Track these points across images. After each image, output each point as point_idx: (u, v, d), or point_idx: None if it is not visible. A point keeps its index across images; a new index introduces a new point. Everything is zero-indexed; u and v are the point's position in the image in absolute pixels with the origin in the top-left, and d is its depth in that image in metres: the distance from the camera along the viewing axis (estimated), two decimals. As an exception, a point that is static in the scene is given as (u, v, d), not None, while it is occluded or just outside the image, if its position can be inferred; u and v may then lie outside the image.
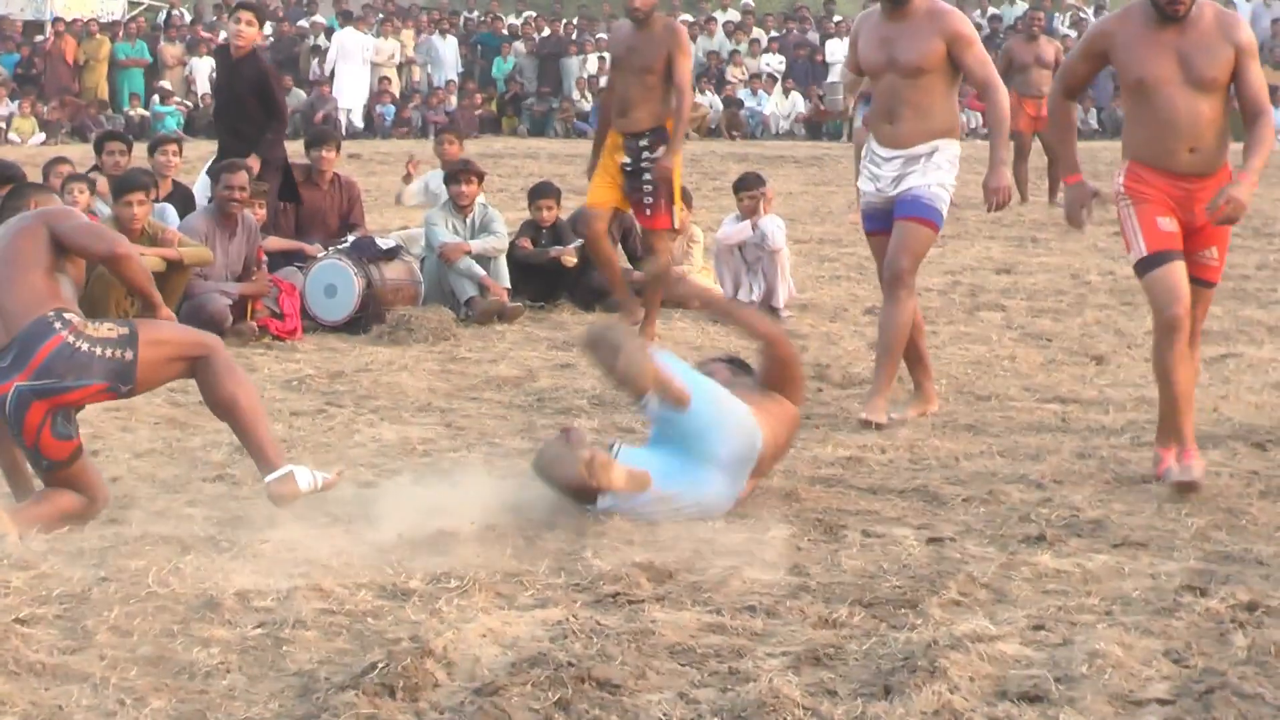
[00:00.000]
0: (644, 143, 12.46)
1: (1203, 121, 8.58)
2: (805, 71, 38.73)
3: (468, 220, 13.99)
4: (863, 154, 10.59)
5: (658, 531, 7.61)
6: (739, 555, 7.30)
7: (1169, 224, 8.53)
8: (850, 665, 5.94)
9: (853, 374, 11.40)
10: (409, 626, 6.27)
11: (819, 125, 36.95)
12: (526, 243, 14.36)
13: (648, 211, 12.63)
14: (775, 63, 38.83)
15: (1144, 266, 8.53)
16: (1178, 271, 8.45)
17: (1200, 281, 8.77)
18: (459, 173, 14.16)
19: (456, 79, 38.68)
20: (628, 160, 12.49)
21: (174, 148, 15.15)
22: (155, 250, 11.52)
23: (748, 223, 13.85)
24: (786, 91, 37.84)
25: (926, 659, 5.77)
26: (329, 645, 6.11)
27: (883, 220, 10.08)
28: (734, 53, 39.57)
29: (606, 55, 13.82)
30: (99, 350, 7.41)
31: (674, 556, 7.22)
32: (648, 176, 12.44)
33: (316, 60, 38.28)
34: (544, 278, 14.31)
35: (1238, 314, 13.75)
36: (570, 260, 14.19)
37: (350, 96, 37.34)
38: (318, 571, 6.89)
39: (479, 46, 40.18)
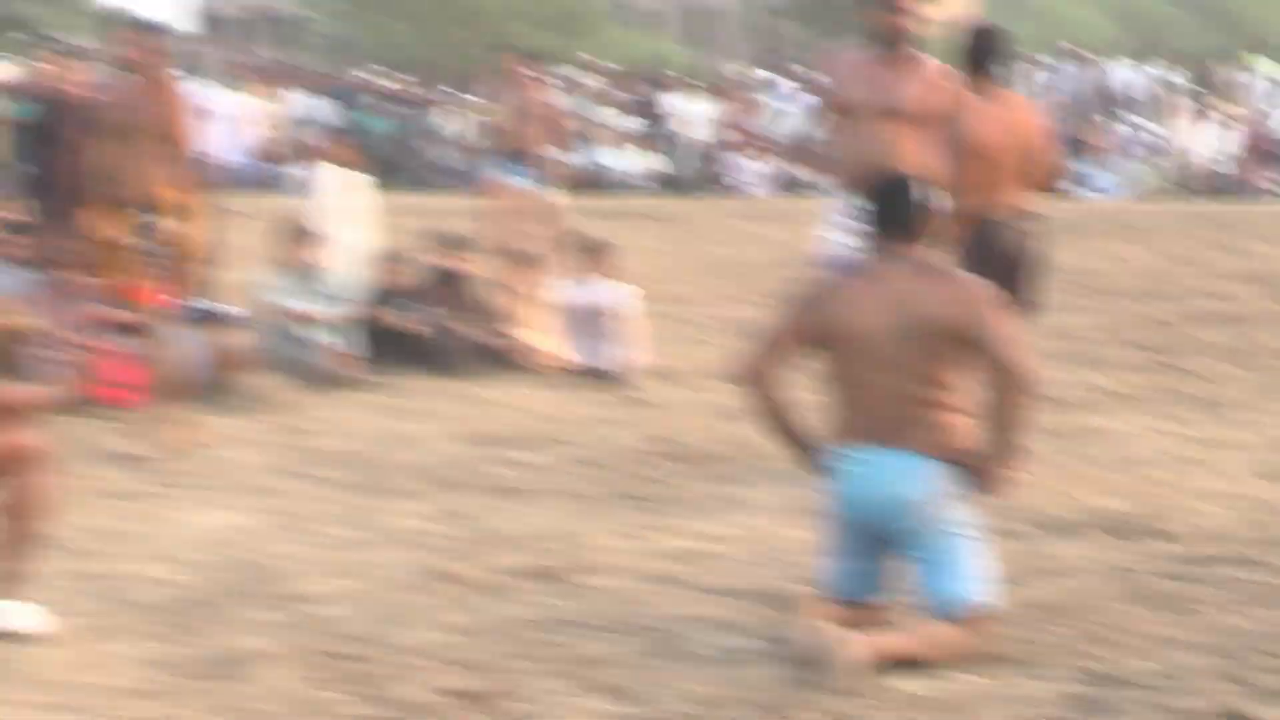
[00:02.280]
0: (147, 215, 10.33)
1: None
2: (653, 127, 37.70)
3: (308, 285, 12.76)
4: None
5: (478, 645, 6.34)
6: (569, 678, 6.06)
7: None
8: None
9: (697, 448, 10.19)
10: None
11: (671, 180, 35.92)
12: (374, 308, 13.07)
13: (152, 288, 10.52)
14: (630, 122, 37.73)
15: None
16: None
17: None
18: (297, 234, 12.94)
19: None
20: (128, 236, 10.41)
21: None
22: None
23: (593, 287, 12.65)
24: (642, 149, 36.77)
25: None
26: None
27: None
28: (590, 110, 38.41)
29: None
30: None
31: (496, 680, 5.95)
32: (152, 251, 10.38)
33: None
34: (392, 343, 12.97)
35: (1083, 380, 12.51)
36: (418, 327, 12.93)
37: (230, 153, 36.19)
38: (101, 702, 5.67)
39: (350, 103, 38.85)
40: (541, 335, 13.40)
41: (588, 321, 12.76)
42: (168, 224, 10.10)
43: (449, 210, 19.88)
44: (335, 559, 7.58)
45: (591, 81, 39.83)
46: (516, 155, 17.00)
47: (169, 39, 10.81)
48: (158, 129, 10.07)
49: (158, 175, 10.18)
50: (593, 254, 12.77)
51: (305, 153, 34.19)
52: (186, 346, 11.72)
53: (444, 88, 39.29)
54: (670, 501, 8.91)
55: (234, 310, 12.56)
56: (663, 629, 6.62)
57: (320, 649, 6.23)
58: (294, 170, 34.27)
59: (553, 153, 16.83)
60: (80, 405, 11.07)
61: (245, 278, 17.41)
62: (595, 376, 12.59)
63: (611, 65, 42.27)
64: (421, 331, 12.96)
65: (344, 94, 38.77)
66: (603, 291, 12.62)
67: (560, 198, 17.12)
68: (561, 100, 37.70)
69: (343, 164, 14.49)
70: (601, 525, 8.31)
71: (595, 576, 7.37)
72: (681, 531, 8.19)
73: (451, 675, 6.00)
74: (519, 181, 16.45)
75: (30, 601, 6.40)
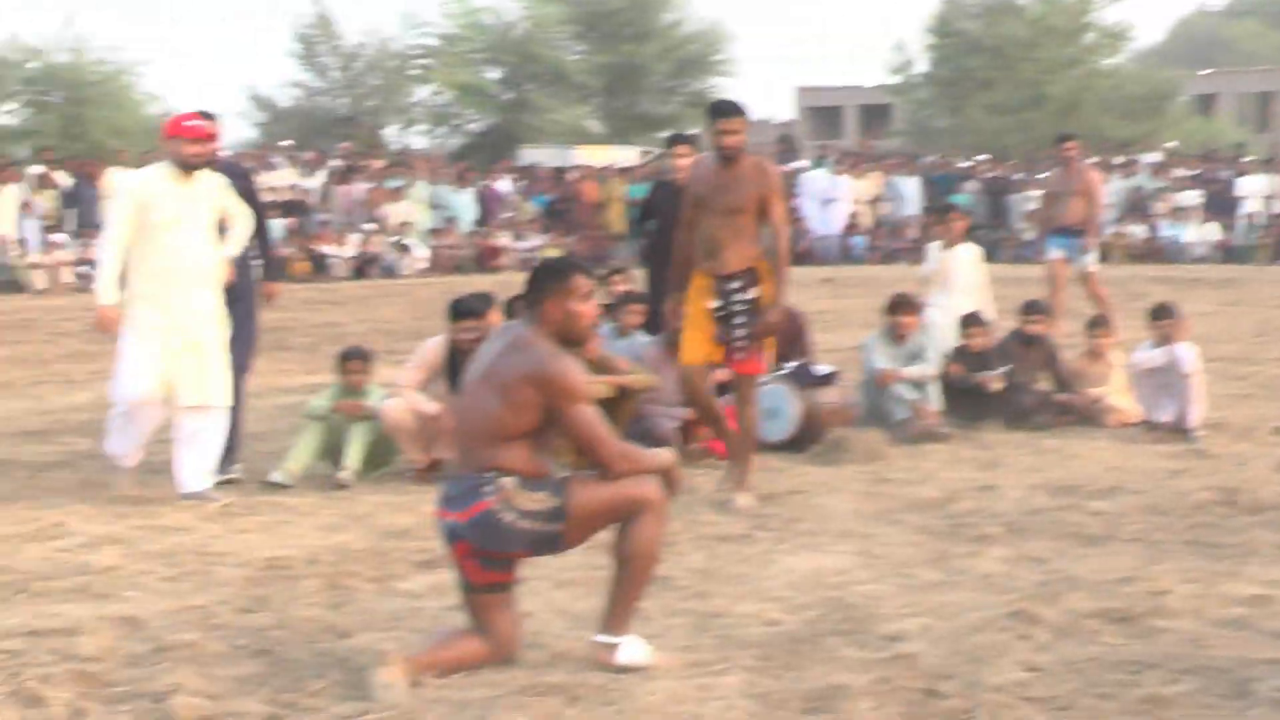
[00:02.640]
0: (735, 285, 10.15)
1: None
2: (1219, 202, 36.54)
3: (903, 349, 12.62)
4: None
5: (1057, 683, 6.09)
6: (1139, 716, 5.74)
7: None
8: None
9: (1261, 499, 9.68)
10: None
11: (1230, 249, 34.86)
12: (957, 368, 12.90)
13: (741, 355, 10.29)
14: (1193, 197, 36.68)
15: None
16: None
17: None
18: (900, 304, 12.77)
19: (920, 213, 37.40)
20: (719, 304, 10.21)
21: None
22: (606, 378, 10.33)
23: (1162, 350, 12.18)
24: (1203, 221, 35.73)
25: None
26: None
27: None
28: (1157, 189, 37.55)
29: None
30: (523, 524, 6.14)
31: (1073, 718, 5.70)
32: (741, 320, 10.18)
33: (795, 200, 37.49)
34: (972, 400, 12.82)
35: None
36: (997, 385, 12.71)
37: (825, 228, 36.65)
38: (699, 731, 5.57)
39: (937, 184, 38.74)
40: (1111, 391, 13.03)
41: (1154, 379, 12.32)
42: (757, 292, 10.14)
43: (1025, 279, 19.66)
44: (921, 600, 7.36)
45: (1160, 160, 39.09)
46: (1062, 230, 16.80)
47: (754, 125, 10.86)
48: (748, 206, 10.17)
49: (750, 249, 10.17)
50: (1162, 318, 12.30)
51: (914, 228, 34.65)
52: (792, 402, 11.82)
53: (1016, 168, 39.12)
54: (1237, 549, 8.44)
55: (832, 370, 12.57)
56: (1231, 671, 6.21)
57: (909, 685, 6.02)
58: (896, 244, 34.79)
59: (1093, 226, 16.63)
60: (692, 456, 11.26)
61: (845, 340, 17.52)
62: (1160, 430, 12.16)
63: (1174, 145, 41.77)
64: (999, 388, 12.75)
65: (935, 175, 38.83)
66: (1169, 352, 12.15)
67: (1093, 266, 16.78)
68: (1131, 180, 37.39)
69: (953, 239, 14.37)
70: (1171, 571, 7.93)
71: (1166, 619, 6.99)
72: (1250, 578, 7.71)
73: (1032, 712, 5.76)
74: (1060, 253, 16.22)
75: (639, 637, 6.36)
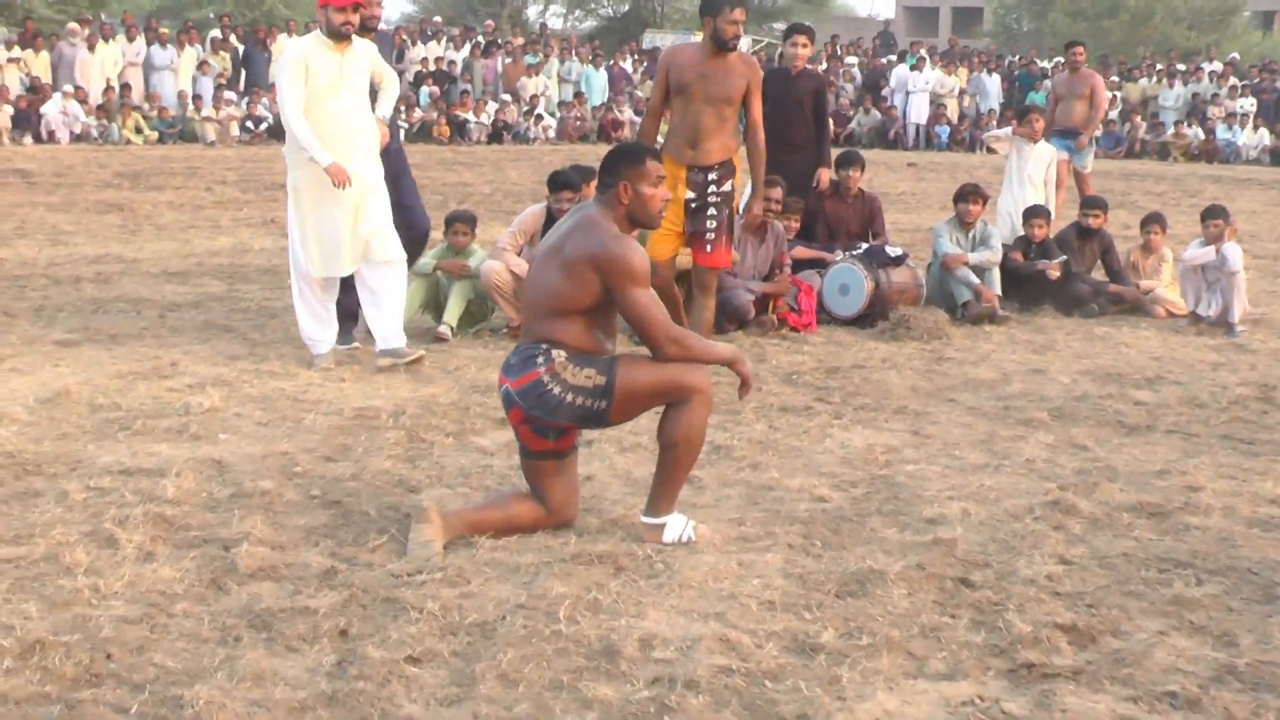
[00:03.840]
0: (712, 176, 9.41)
1: None
2: (1272, 110, 35.32)
3: (969, 235, 11.89)
4: None
5: (1087, 578, 5.46)
6: (1166, 617, 5.10)
7: None
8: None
9: (1300, 396, 8.96)
10: (800, 702, 4.31)
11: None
12: (1018, 255, 12.17)
13: (708, 248, 9.46)
14: (1248, 104, 35.41)
15: None
16: None
17: None
18: (968, 193, 11.99)
19: (998, 108, 36.30)
20: (692, 195, 9.42)
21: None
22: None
23: (1211, 248, 11.38)
24: (1256, 127, 34.50)
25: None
26: (713, 717, 4.20)
27: None
28: (1215, 95, 36.29)
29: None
30: (569, 397, 5.56)
31: (1099, 616, 5.07)
32: (713, 212, 9.42)
33: (886, 89, 36.57)
34: (1031, 286, 12.10)
35: None
36: (1055, 273, 11.97)
37: (915, 117, 35.69)
38: (735, 612, 4.97)
39: (1017, 83, 37.56)
40: (1161, 284, 12.28)
41: (1201, 275, 11.54)
42: (730, 185, 9.45)
43: (1101, 172, 18.74)
44: (965, 483, 6.69)
45: (1218, 70, 37.94)
46: (1064, 131, 15.76)
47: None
48: (735, 98, 9.35)
49: (732, 140, 9.46)
50: (1213, 218, 11.48)
51: (998, 123, 33.63)
52: (864, 280, 11.17)
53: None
54: (1271, 446, 7.69)
55: (902, 251, 11.89)
56: (1259, 574, 5.54)
57: (946, 574, 5.38)
58: (980, 134, 33.87)
59: (1090, 127, 15.71)
60: (765, 326, 10.67)
61: (925, 220, 16.77)
62: (1204, 324, 11.42)
63: (1235, 57, 40.85)
64: (1056, 276, 12.03)
65: (1017, 73, 37.71)
66: (1218, 250, 11.35)
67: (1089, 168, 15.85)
68: (1192, 86, 36.21)
69: (1030, 135, 13.48)
70: (1206, 465, 7.20)
71: (1198, 516, 6.31)
72: (1281, 477, 7.07)
73: (1060, 607, 5.14)
74: (1063, 154, 15.15)
75: (682, 515, 5.78)
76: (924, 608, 5.09)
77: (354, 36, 8.87)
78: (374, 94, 9.14)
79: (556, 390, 5.55)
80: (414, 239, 9.75)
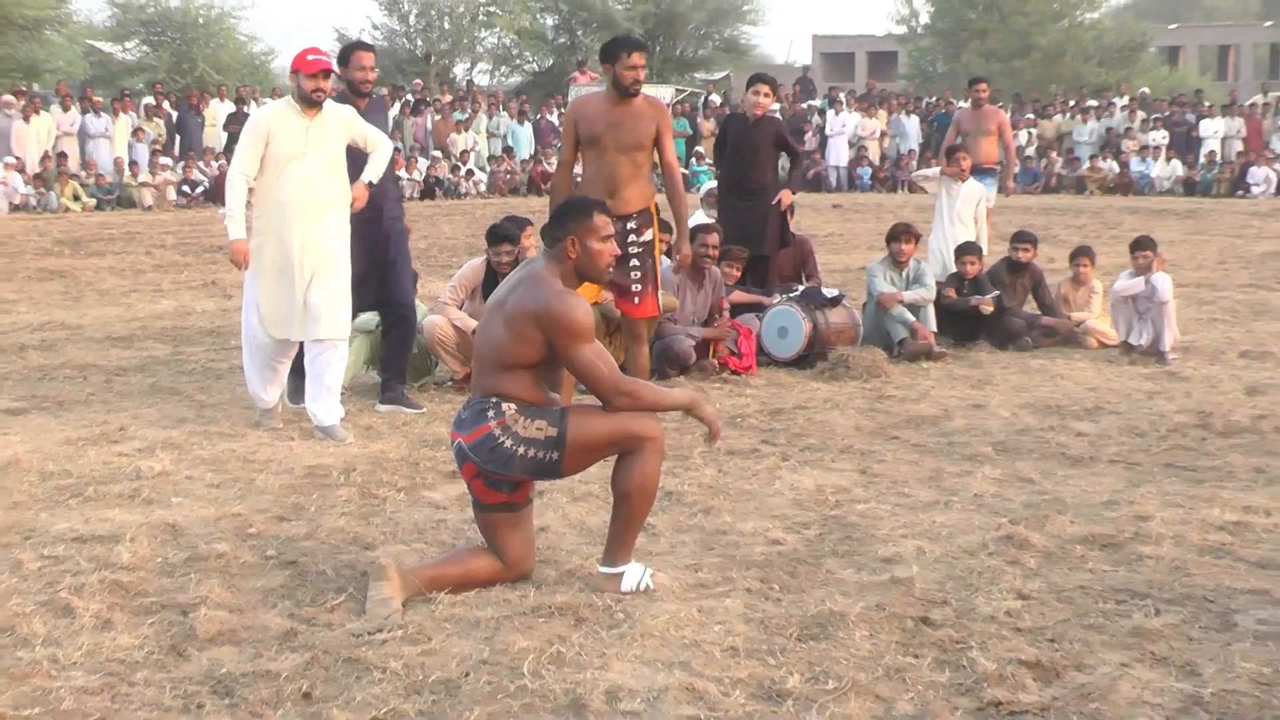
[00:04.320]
0: (631, 225, 9.08)
1: None
2: (1183, 142, 35.84)
3: (903, 273, 11.88)
4: None
5: (1046, 613, 5.38)
6: (1128, 649, 5.02)
7: None
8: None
9: (1234, 422, 8.93)
10: (771, 749, 4.21)
11: (1192, 184, 34.11)
12: (952, 292, 12.17)
13: (635, 300, 9.20)
14: (1160, 137, 35.86)
15: None
16: None
17: None
18: (900, 233, 11.96)
19: (917, 148, 36.56)
20: None
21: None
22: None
23: (1141, 279, 11.41)
24: (1169, 159, 34.98)
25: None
26: (685, 769, 4.10)
27: None
28: (1128, 129, 36.72)
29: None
30: (521, 450, 5.44)
31: (1062, 651, 4.99)
32: (635, 263, 9.13)
33: (810, 133, 36.83)
34: (965, 322, 12.10)
35: None
36: (989, 308, 11.97)
37: (835, 160, 36.08)
38: (699, 660, 4.85)
39: (935, 123, 37.82)
40: (1091, 316, 12.30)
41: (1132, 305, 11.56)
42: (651, 234, 9.20)
43: (1008, 208, 18.77)
44: (916, 521, 6.63)
45: (1128, 104, 38.44)
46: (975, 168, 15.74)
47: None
48: (646, 143, 9.11)
49: (648, 187, 9.20)
50: (1141, 249, 11.50)
51: (919, 163, 33.79)
52: (801, 322, 11.11)
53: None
54: (1213, 472, 7.70)
55: (838, 293, 11.86)
56: (1214, 602, 5.49)
57: (906, 613, 5.30)
58: (903, 174, 34.07)
59: (1010, 163, 15.71)
60: (707, 371, 10.60)
61: (853, 261, 16.75)
62: (1136, 353, 11.43)
63: (1144, 91, 41.56)
64: (990, 311, 12.02)
65: (934, 115, 37.97)
66: (1147, 280, 11.38)
67: (990, 202, 15.72)
68: (1105, 121, 36.58)
69: (958, 174, 13.48)
70: (1152, 494, 7.18)
71: (1149, 546, 6.26)
72: (1227, 504, 6.96)
73: (1022, 643, 5.06)
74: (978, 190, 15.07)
75: (639, 564, 5.66)
76: (887, 649, 5.00)
77: (333, 102, 8.68)
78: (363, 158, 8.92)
79: (508, 443, 5.44)
80: (392, 317, 9.55)
